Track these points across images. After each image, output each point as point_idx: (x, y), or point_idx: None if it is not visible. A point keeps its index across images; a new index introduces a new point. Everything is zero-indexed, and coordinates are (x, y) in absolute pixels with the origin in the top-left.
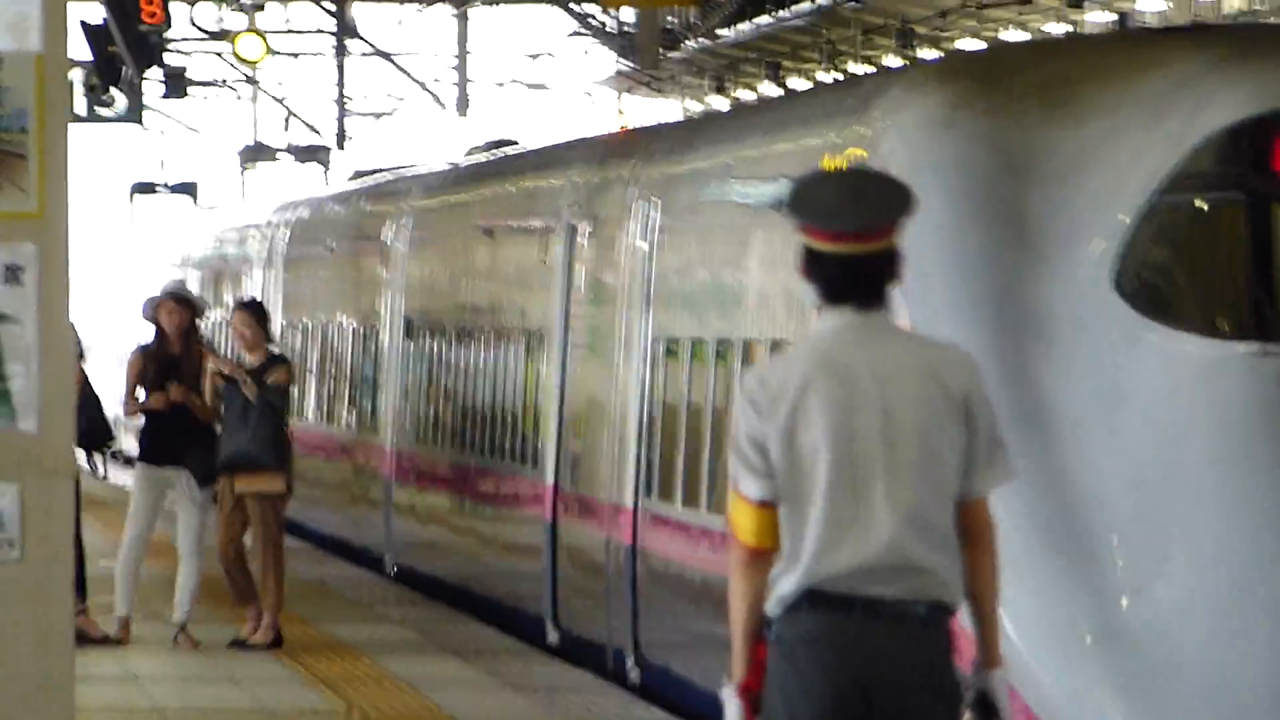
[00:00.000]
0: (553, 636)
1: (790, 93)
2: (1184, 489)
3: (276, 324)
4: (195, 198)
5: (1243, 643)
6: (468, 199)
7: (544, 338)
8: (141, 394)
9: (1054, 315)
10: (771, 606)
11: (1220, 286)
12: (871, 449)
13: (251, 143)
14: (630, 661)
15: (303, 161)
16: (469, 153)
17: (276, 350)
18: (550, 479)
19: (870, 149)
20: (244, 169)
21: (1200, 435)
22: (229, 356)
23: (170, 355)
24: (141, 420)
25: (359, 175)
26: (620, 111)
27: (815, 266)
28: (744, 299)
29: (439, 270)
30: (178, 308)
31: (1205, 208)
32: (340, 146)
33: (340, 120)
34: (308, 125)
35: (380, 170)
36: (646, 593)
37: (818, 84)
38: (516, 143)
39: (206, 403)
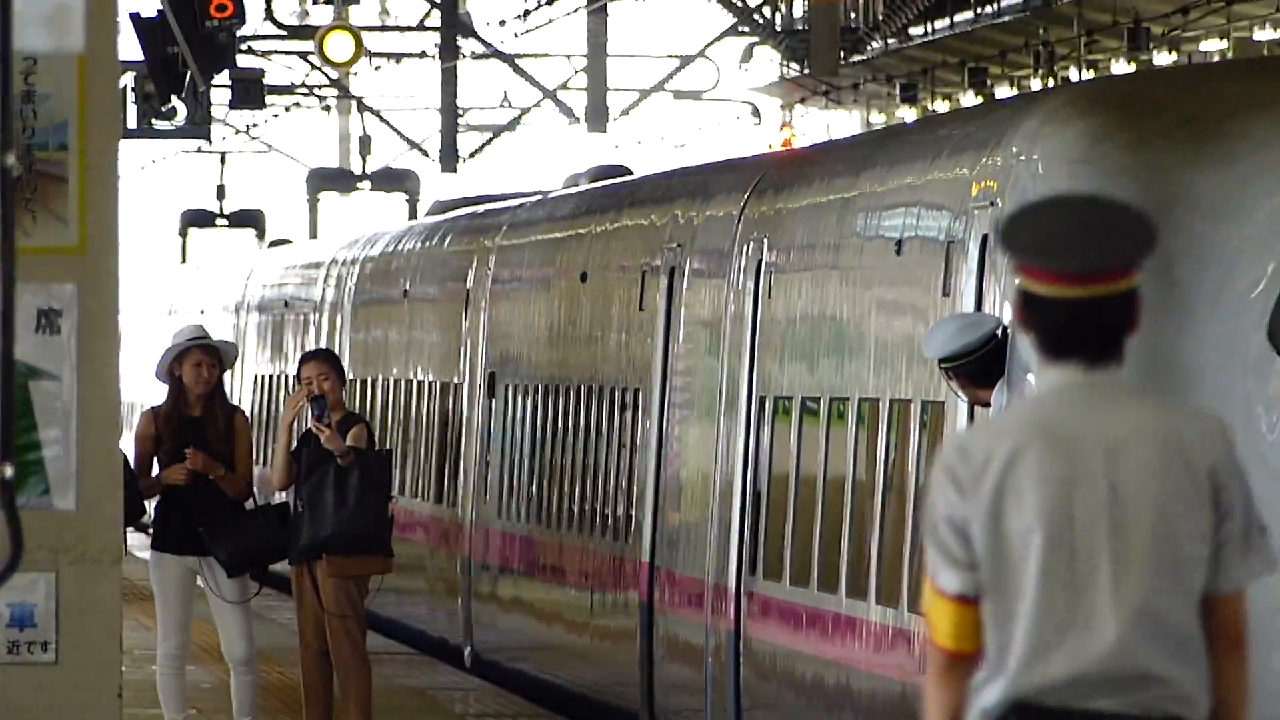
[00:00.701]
0: None
1: (927, 117)
2: None
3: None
4: (261, 231)
5: None
6: (559, 237)
7: (640, 394)
8: (155, 467)
9: (1203, 369)
10: None
11: None
12: (1095, 532)
13: (331, 165)
14: None
15: (387, 191)
16: (567, 182)
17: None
18: (646, 556)
19: (1002, 185)
20: (313, 198)
21: None
22: (299, 418)
23: (188, 417)
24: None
25: (442, 207)
26: (787, 125)
27: (1034, 313)
28: (861, 350)
29: (526, 318)
30: (205, 359)
31: None
32: (450, 168)
33: (449, 135)
34: (409, 141)
35: (467, 200)
36: (750, 686)
37: (956, 108)
38: (629, 170)
39: (240, 472)
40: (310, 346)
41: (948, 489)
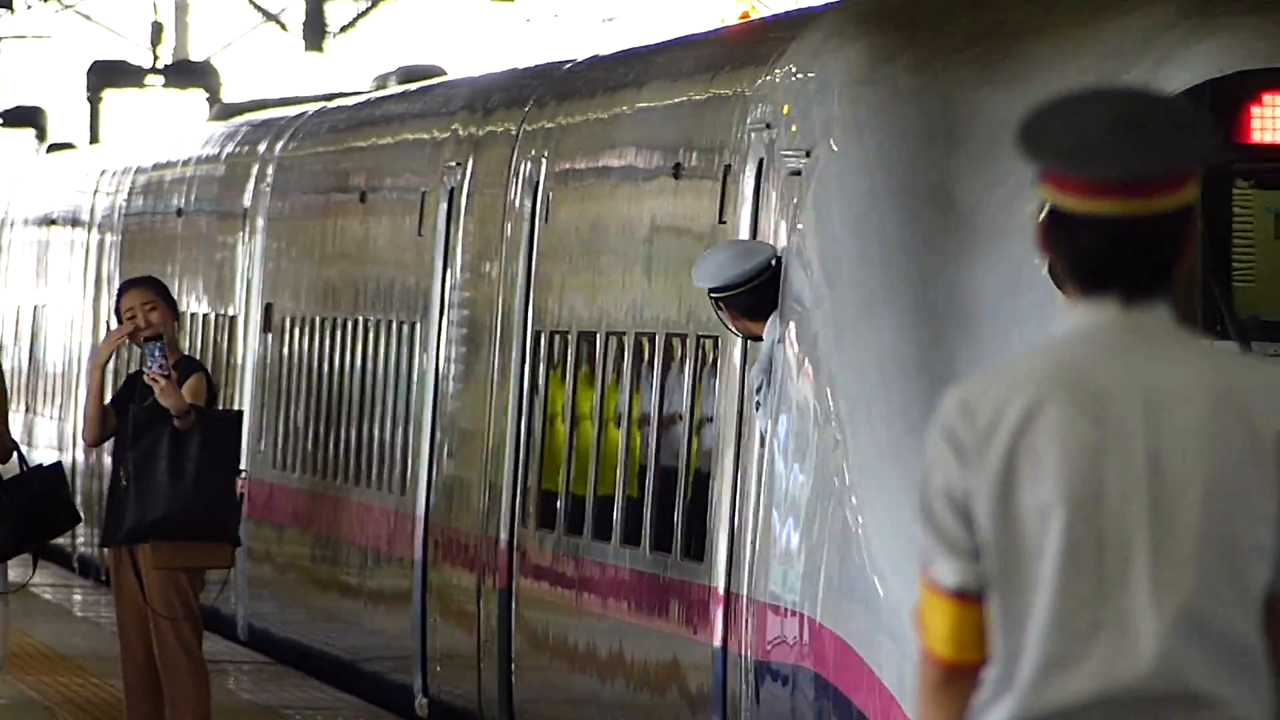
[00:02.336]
0: (421, 705)
1: (719, 27)
2: None
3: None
4: (42, 133)
5: None
6: (338, 150)
7: (418, 330)
8: None
9: (982, 305)
10: None
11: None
12: (1130, 513)
13: (107, 59)
14: None
15: (182, 87)
16: (375, 83)
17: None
18: (422, 510)
19: (779, 106)
20: (94, 95)
21: None
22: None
23: None
24: None
25: (227, 112)
26: None
27: (1062, 234)
28: (638, 282)
29: (305, 242)
30: None
31: None
32: (315, 46)
33: (314, 2)
34: (264, 11)
35: (261, 103)
36: (521, 648)
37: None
38: (443, 72)
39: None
40: (78, 271)
41: (946, 456)
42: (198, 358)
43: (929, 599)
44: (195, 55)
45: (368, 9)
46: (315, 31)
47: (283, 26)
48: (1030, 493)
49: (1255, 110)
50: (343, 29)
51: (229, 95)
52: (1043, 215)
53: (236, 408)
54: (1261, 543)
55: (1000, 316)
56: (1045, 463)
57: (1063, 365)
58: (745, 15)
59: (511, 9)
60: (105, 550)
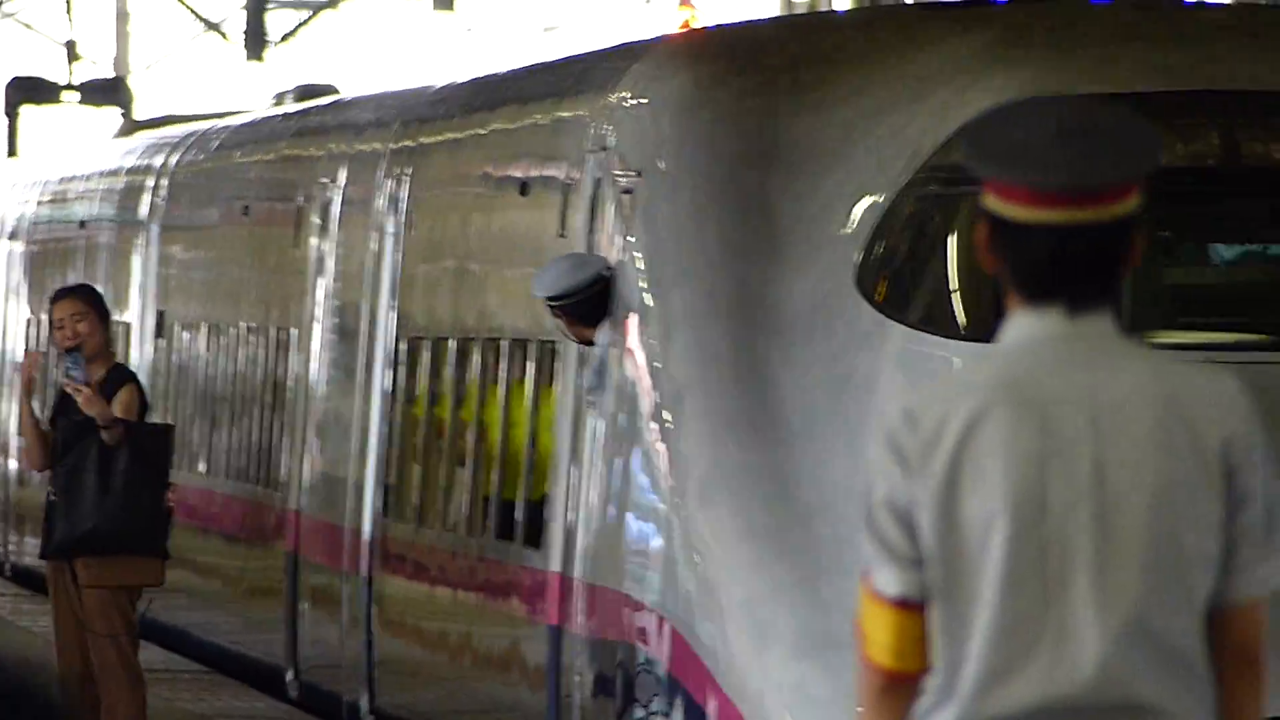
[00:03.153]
0: (293, 690)
1: (567, 57)
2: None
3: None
4: None
5: None
6: (225, 166)
7: (295, 339)
8: None
9: (795, 315)
10: None
11: (964, 284)
12: (1074, 523)
13: (25, 75)
14: (365, 708)
15: (98, 104)
16: (275, 100)
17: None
18: (294, 504)
19: (612, 129)
20: (11, 111)
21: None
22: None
23: None
24: None
25: (133, 128)
26: (687, 3)
27: (1007, 243)
28: (488, 291)
29: (194, 252)
30: None
31: (954, 202)
32: (256, 55)
33: (255, 13)
34: (205, 21)
35: (168, 119)
36: (380, 635)
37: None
38: (335, 90)
39: None
40: None
41: (889, 464)
42: None
43: (870, 608)
44: (136, 65)
45: (308, 19)
46: (256, 41)
47: (224, 36)
48: (974, 502)
49: None
50: (283, 38)
51: (161, 109)
52: (986, 224)
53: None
54: (1206, 552)
55: (810, 322)
56: (989, 472)
57: (1007, 375)
58: (686, 25)
59: (452, 18)
60: (46, 562)
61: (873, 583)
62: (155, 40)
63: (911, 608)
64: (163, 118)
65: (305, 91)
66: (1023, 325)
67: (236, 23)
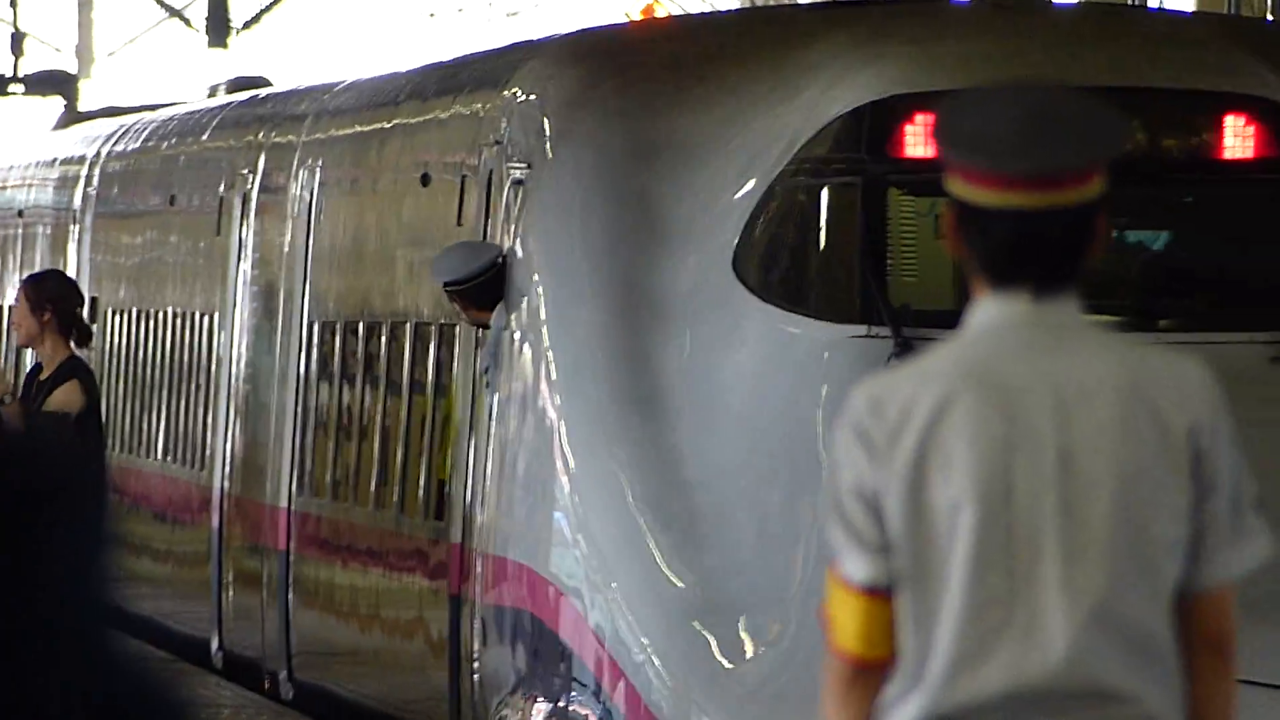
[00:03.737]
0: (218, 661)
1: (467, 55)
2: (796, 468)
3: None
4: None
5: None
6: (149, 157)
7: (216, 323)
8: None
9: (676, 299)
10: None
11: (834, 269)
12: (1040, 510)
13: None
14: (284, 677)
15: (43, 95)
16: (209, 93)
17: (80, 354)
18: (219, 482)
19: (505, 124)
20: None
21: (810, 416)
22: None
23: None
24: None
25: (74, 119)
26: None
27: (973, 228)
28: (394, 277)
29: (124, 240)
30: None
31: (823, 191)
32: (219, 42)
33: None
34: (168, 8)
35: (107, 111)
36: (297, 603)
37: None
38: (269, 83)
39: None
40: None
41: (855, 451)
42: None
43: (838, 595)
44: (99, 52)
45: (271, 4)
46: (219, 28)
47: (186, 22)
48: (940, 489)
49: (908, 128)
50: (246, 25)
51: (123, 97)
52: (952, 210)
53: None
54: (1172, 538)
55: (690, 304)
56: (955, 459)
57: (973, 361)
58: (649, 10)
59: (416, 2)
60: None
61: (840, 570)
62: (117, 27)
63: (879, 595)
64: (103, 109)
65: (237, 84)
66: (988, 310)
67: (199, 9)
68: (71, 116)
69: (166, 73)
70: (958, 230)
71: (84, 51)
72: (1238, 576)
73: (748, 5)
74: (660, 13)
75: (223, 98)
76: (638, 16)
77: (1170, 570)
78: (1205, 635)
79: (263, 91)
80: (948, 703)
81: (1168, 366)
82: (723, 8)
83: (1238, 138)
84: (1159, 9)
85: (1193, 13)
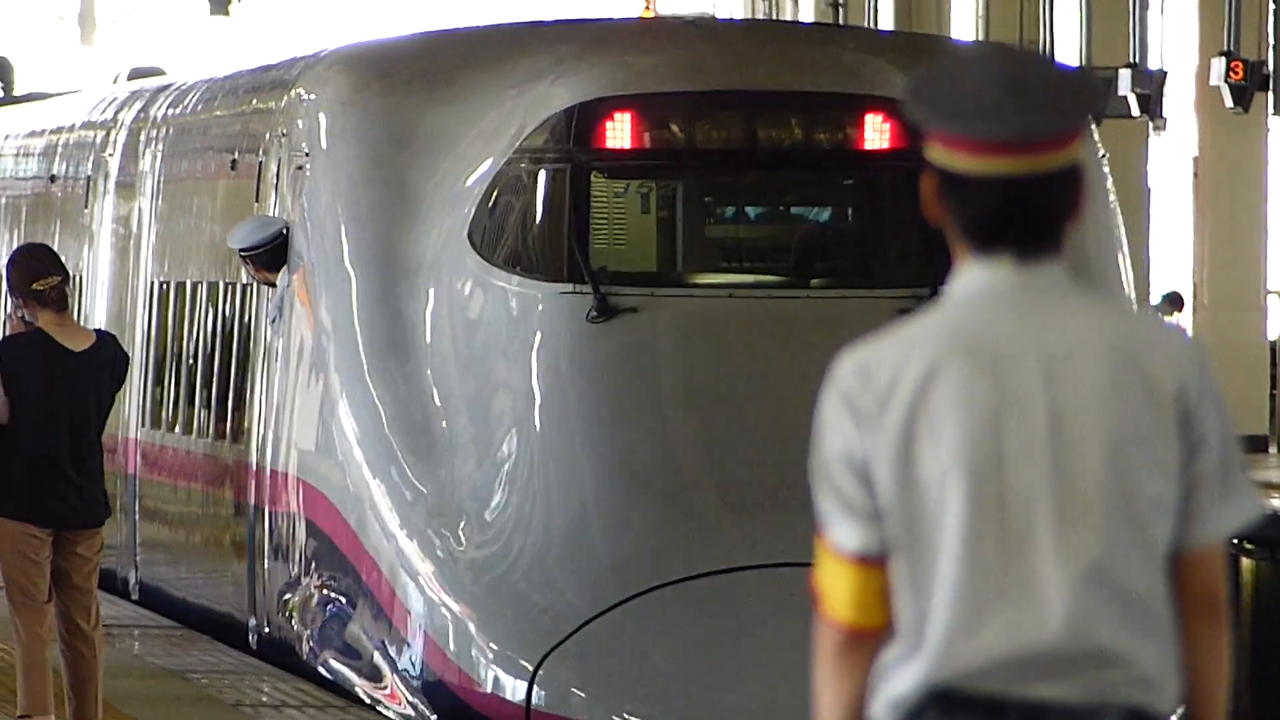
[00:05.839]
0: None
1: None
2: (515, 401)
3: None
4: None
5: (545, 530)
6: (33, 142)
7: (84, 283)
8: None
9: (423, 263)
10: (881, 711)
11: (547, 239)
12: (1031, 474)
13: None
14: (133, 582)
15: None
16: (113, 79)
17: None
18: None
19: (293, 118)
20: None
21: (527, 359)
22: None
23: None
24: None
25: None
26: None
27: (953, 195)
28: (209, 245)
29: (18, 215)
30: None
31: (539, 174)
32: (221, 9)
33: None
34: None
35: (27, 96)
36: (142, 521)
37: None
38: (163, 72)
39: None
40: None
41: (843, 420)
42: None
43: (829, 564)
44: (101, 19)
45: None
46: None
47: None
48: (930, 456)
49: (608, 124)
50: None
51: (128, 63)
52: (933, 177)
53: None
54: (1163, 498)
55: (434, 267)
56: (944, 426)
57: (959, 327)
58: (649, 6)
59: None
60: None
61: (831, 539)
62: None
63: (872, 562)
64: (25, 95)
65: (134, 73)
66: (972, 277)
67: None
68: None
69: (169, 40)
70: (938, 197)
71: (87, 18)
72: (1227, 535)
73: (748, 6)
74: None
75: (109, 87)
76: (644, 13)
77: (1162, 531)
78: (1196, 594)
79: (140, 82)
80: (946, 668)
81: (1152, 329)
82: (722, 9)
83: (876, 132)
84: (814, 24)
85: (842, 27)
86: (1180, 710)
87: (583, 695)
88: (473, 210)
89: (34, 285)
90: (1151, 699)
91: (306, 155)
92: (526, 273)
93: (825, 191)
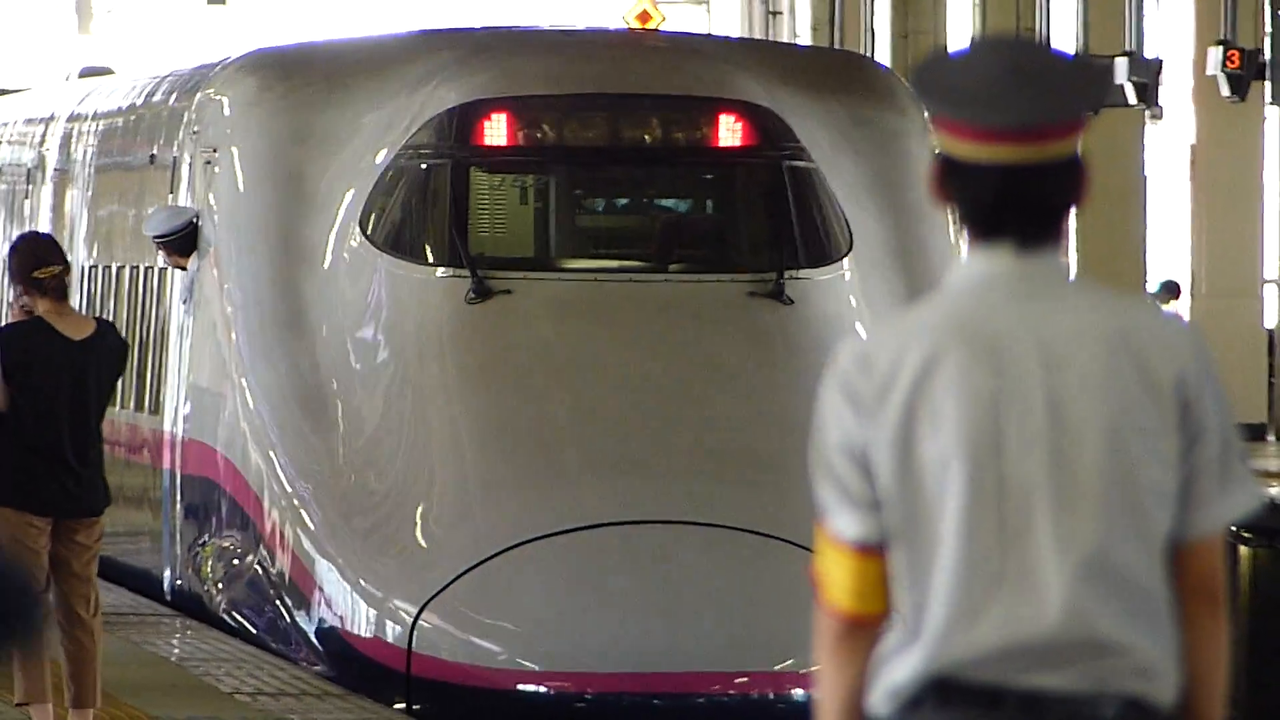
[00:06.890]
0: None
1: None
2: (399, 373)
3: None
4: None
5: (427, 492)
6: None
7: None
8: None
9: (319, 248)
10: (880, 700)
11: (431, 227)
12: (1031, 462)
13: None
14: None
15: None
16: (65, 78)
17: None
18: None
19: (199, 117)
20: None
21: (412, 336)
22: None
23: None
24: None
25: None
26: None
27: (956, 181)
28: (128, 233)
29: None
30: None
31: (424, 169)
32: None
33: None
34: None
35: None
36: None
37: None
38: (111, 71)
39: None
40: None
41: (842, 409)
42: None
43: (828, 552)
44: (98, 9)
45: None
46: None
47: None
48: (930, 444)
49: (487, 124)
50: None
51: (123, 53)
52: (937, 163)
53: None
54: (1164, 487)
55: (328, 251)
56: (944, 414)
57: (959, 316)
58: (644, 17)
59: None
60: None
61: (830, 527)
62: None
63: (871, 551)
64: None
65: (84, 72)
66: (972, 264)
67: None
68: None
69: (166, 30)
70: (941, 183)
71: (83, 7)
72: (1227, 524)
73: (744, 8)
74: (655, 18)
75: (58, 85)
76: (633, 22)
77: (1161, 520)
78: (1195, 584)
79: (85, 81)
80: (945, 657)
81: (1151, 318)
82: (720, 11)
83: (729, 131)
84: (677, 33)
85: (701, 35)
86: (1178, 699)
87: (458, 638)
88: (363, 201)
89: (35, 273)
90: (1150, 688)
91: (215, 151)
92: (412, 258)
93: (684, 185)
